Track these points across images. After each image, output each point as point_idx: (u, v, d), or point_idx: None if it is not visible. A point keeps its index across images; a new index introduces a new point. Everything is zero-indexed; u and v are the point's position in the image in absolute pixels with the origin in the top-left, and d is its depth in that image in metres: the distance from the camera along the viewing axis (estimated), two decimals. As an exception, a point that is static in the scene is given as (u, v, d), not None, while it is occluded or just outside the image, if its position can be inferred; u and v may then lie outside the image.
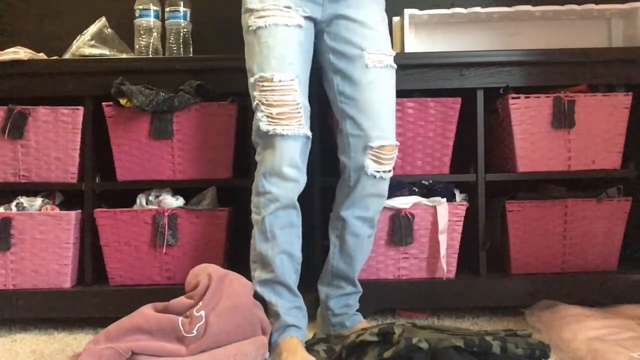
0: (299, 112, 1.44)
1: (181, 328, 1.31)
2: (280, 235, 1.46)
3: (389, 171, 1.54)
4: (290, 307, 1.48)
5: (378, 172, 1.51)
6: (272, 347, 1.44)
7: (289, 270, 1.48)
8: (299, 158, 1.44)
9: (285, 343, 1.44)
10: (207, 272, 1.41)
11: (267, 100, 1.43)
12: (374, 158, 1.50)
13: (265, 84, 1.43)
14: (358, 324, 1.59)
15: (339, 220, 1.57)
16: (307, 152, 1.48)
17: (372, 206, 1.55)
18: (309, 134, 1.46)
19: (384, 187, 1.55)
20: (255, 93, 1.45)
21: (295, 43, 1.46)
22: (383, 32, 1.55)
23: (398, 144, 1.56)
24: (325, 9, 1.50)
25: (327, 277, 1.61)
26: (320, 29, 1.53)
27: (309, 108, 1.48)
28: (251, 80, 1.47)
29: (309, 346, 1.47)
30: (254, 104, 1.46)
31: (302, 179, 1.47)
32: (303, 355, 1.39)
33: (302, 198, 1.49)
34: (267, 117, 1.42)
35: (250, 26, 1.46)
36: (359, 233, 1.56)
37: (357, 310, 1.62)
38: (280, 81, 1.42)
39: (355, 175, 1.52)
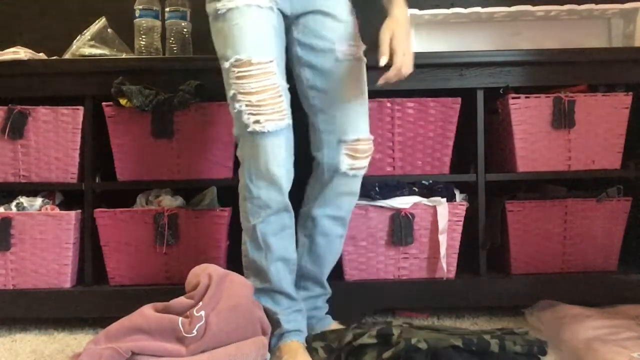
0: (280, 97, 1.37)
1: (181, 328, 1.31)
2: (273, 242, 1.42)
3: (364, 167, 1.51)
4: (290, 312, 1.46)
5: (352, 168, 1.48)
6: (273, 350, 1.44)
7: (285, 276, 1.45)
8: (285, 153, 1.39)
9: (286, 347, 1.43)
10: (207, 272, 1.41)
11: (244, 89, 1.35)
12: (349, 153, 1.47)
13: (242, 68, 1.35)
14: (327, 327, 1.56)
15: (309, 219, 1.53)
16: (292, 142, 1.43)
17: (344, 205, 1.53)
18: (290, 122, 1.40)
19: (357, 185, 1.53)
20: (231, 81, 1.37)
21: (269, 25, 1.40)
22: (353, 24, 1.52)
23: (373, 137, 1.53)
24: (293, 4, 1.46)
25: (296, 279, 1.54)
26: (288, 24, 1.49)
27: (287, 86, 1.42)
28: (225, 65, 1.38)
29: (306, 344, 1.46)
30: (231, 93, 1.37)
31: (291, 173, 1.42)
32: (304, 358, 1.39)
33: (292, 192, 1.46)
34: (247, 106, 1.34)
35: (219, 10, 1.39)
36: (330, 233, 1.53)
37: (327, 312, 1.60)
38: (258, 63, 1.35)
39: (330, 172, 1.49)
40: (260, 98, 1.35)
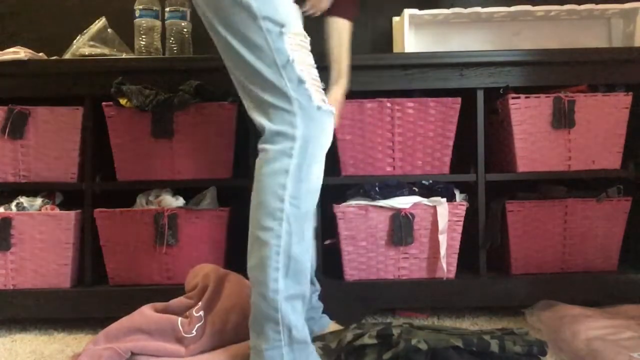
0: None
1: (180, 328, 1.31)
2: (309, 234, 1.24)
3: None
4: (304, 323, 1.26)
5: None
6: None
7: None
8: None
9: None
10: (207, 272, 1.41)
11: (305, 61, 1.21)
12: None
13: (298, 38, 1.22)
14: (327, 327, 1.52)
15: None
16: None
17: None
18: None
19: None
20: (287, 46, 1.20)
21: None
22: None
23: None
24: None
25: None
26: None
27: None
28: (278, 29, 1.19)
29: None
30: (289, 58, 1.19)
31: None
32: None
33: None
34: (314, 81, 1.21)
35: None
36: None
37: (323, 312, 1.54)
38: (308, 41, 1.25)
39: None
40: (316, 73, 1.25)
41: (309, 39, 1.26)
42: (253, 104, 1.24)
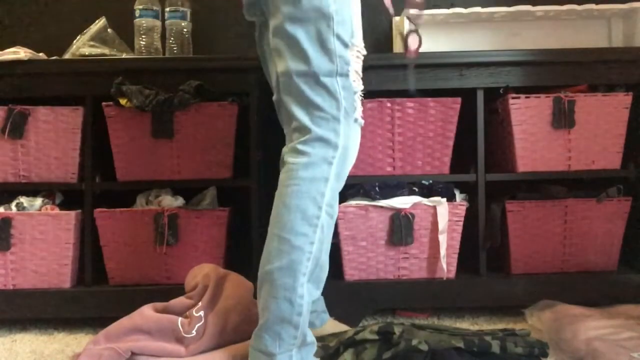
0: None
1: (180, 328, 1.31)
2: (329, 239, 1.26)
3: None
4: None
5: None
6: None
7: None
8: None
9: None
10: (207, 272, 1.41)
11: (358, 71, 1.25)
12: None
13: (356, 50, 1.25)
14: (326, 322, 1.53)
15: None
16: None
17: None
18: None
19: None
20: (349, 55, 1.22)
21: None
22: None
23: None
24: None
25: None
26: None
27: None
28: (349, 39, 1.22)
29: None
30: (348, 67, 1.22)
31: None
32: None
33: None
34: (360, 92, 1.26)
35: None
36: None
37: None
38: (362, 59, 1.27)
39: None
40: (361, 88, 1.27)
41: (365, 52, 1.29)
42: (297, 100, 1.22)
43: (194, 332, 1.31)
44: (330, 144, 1.20)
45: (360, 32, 1.27)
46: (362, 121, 1.25)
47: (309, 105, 1.21)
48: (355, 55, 1.24)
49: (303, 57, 1.20)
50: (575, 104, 1.78)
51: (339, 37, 1.20)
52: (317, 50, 1.19)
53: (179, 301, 1.39)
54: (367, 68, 1.74)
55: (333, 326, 1.55)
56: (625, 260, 1.86)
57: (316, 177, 1.19)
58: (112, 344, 1.29)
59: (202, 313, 1.32)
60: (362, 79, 1.30)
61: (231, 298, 1.37)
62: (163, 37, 2.03)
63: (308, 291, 1.19)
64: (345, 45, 1.21)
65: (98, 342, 1.31)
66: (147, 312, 1.36)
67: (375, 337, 1.32)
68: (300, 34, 1.19)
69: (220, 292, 1.38)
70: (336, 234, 1.76)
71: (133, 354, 1.29)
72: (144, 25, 1.98)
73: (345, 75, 1.21)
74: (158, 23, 2.01)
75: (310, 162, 1.19)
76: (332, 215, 1.22)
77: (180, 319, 1.33)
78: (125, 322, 1.34)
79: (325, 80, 1.20)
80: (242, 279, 1.44)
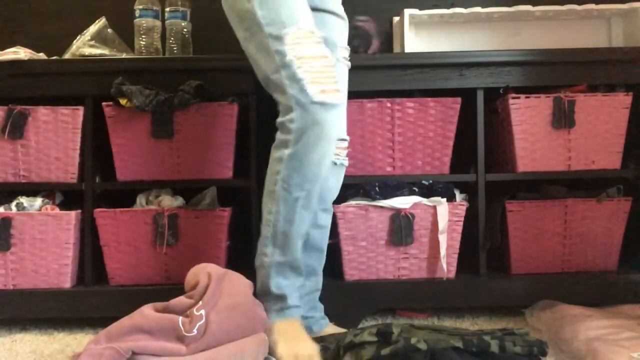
0: (334, 69, 1.34)
1: (181, 327, 1.31)
2: (306, 219, 1.38)
3: (345, 159, 1.59)
4: (294, 287, 1.42)
5: (338, 158, 1.54)
6: (270, 327, 1.38)
7: (302, 254, 1.43)
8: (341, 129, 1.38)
9: (285, 325, 1.39)
10: (207, 271, 1.41)
11: (305, 53, 1.29)
12: (335, 150, 1.47)
13: (302, 34, 1.31)
14: (325, 328, 1.54)
15: None
16: None
17: (332, 196, 1.57)
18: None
19: (342, 174, 1.60)
20: (287, 47, 1.30)
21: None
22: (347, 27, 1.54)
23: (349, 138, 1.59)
24: None
25: None
26: None
27: None
28: (283, 31, 1.30)
29: None
30: (286, 59, 1.29)
31: None
32: (306, 338, 1.36)
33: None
34: (310, 72, 1.28)
35: None
36: (325, 224, 1.56)
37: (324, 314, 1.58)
38: (318, 36, 1.33)
39: None
40: (322, 64, 1.31)
41: (313, 29, 1.34)
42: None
43: (195, 330, 1.30)
44: (286, 129, 1.33)
45: (299, 13, 1.33)
46: (324, 98, 1.30)
47: (276, 101, 1.36)
48: (294, 40, 1.31)
49: (258, 66, 1.38)
50: (575, 104, 1.78)
51: (271, 36, 1.33)
52: (262, 56, 1.35)
53: (180, 301, 1.38)
54: (368, 68, 1.76)
55: (333, 331, 1.55)
56: (625, 260, 1.86)
57: (275, 158, 1.36)
58: (113, 343, 1.29)
59: (203, 312, 1.32)
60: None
61: (232, 296, 1.37)
62: (163, 37, 2.03)
63: (272, 254, 1.39)
64: (278, 38, 1.32)
65: (99, 342, 1.31)
66: (147, 312, 1.35)
67: (375, 338, 1.32)
68: (251, 49, 1.38)
69: (221, 291, 1.37)
70: (336, 234, 1.76)
71: (134, 353, 1.28)
72: (144, 25, 1.98)
73: (287, 66, 1.30)
74: (158, 23, 2.01)
75: (274, 145, 1.37)
76: (290, 191, 1.35)
77: (181, 318, 1.33)
78: (126, 322, 1.34)
79: (274, 77, 1.33)
80: (243, 278, 1.44)
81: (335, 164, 1.53)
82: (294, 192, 1.35)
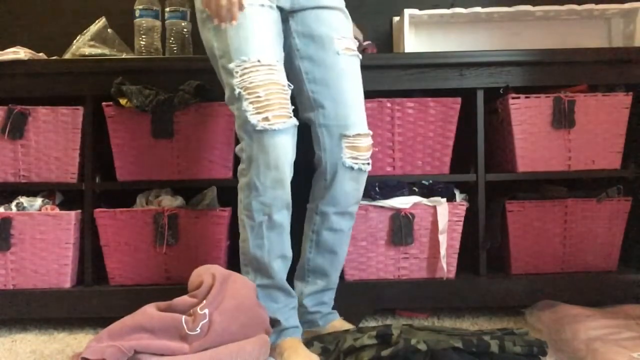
0: (286, 94, 1.36)
1: (184, 326, 1.30)
2: (275, 240, 1.41)
3: (367, 160, 1.50)
4: (287, 309, 1.46)
5: (356, 162, 1.47)
6: (272, 347, 1.43)
7: (284, 273, 1.45)
8: (292, 152, 1.37)
9: (286, 343, 1.42)
10: (211, 272, 1.41)
11: (251, 83, 1.32)
12: (351, 147, 1.47)
13: (248, 65, 1.33)
14: (332, 322, 1.56)
15: (316, 215, 1.52)
16: (295, 140, 1.40)
17: (350, 199, 1.51)
18: (296, 120, 1.38)
19: (363, 178, 1.51)
20: (235, 80, 1.33)
21: (272, 24, 1.40)
22: (348, 17, 1.53)
23: (371, 133, 1.52)
24: (293, 1, 1.46)
25: (302, 272, 1.57)
26: (285, 16, 1.48)
27: (291, 86, 1.40)
28: (229, 65, 1.35)
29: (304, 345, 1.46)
30: (235, 92, 1.33)
31: (292, 171, 1.40)
32: (306, 354, 1.39)
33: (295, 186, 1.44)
34: (254, 103, 1.31)
35: None
36: (338, 228, 1.52)
37: (333, 308, 1.59)
38: (268, 65, 1.34)
39: (332, 168, 1.48)
40: (268, 91, 1.33)
41: (270, 60, 1.36)
42: None
43: (198, 329, 1.30)
44: (242, 159, 1.40)
45: (249, 44, 1.35)
46: (267, 125, 1.32)
47: None
48: (241, 72, 1.34)
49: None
50: (575, 104, 1.78)
51: (224, 68, 1.39)
52: (224, 85, 1.41)
53: (183, 300, 1.38)
54: (368, 68, 1.75)
55: (340, 325, 1.55)
56: (625, 260, 1.86)
57: (239, 186, 1.43)
58: (115, 342, 1.28)
59: (206, 311, 1.32)
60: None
61: (235, 297, 1.37)
62: (163, 37, 2.03)
63: (255, 279, 1.45)
64: (229, 72, 1.36)
65: (101, 340, 1.31)
66: (150, 311, 1.35)
67: (374, 341, 1.32)
68: (219, 75, 1.44)
69: (224, 292, 1.37)
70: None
71: (136, 352, 1.28)
72: (144, 25, 1.98)
73: (237, 98, 1.34)
74: (158, 23, 2.01)
75: (237, 174, 1.43)
76: (252, 217, 1.39)
77: (184, 317, 1.33)
78: (128, 320, 1.34)
79: (230, 108, 1.40)
80: (246, 279, 1.44)
81: (353, 168, 1.47)
82: (256, 217, 1.39)
